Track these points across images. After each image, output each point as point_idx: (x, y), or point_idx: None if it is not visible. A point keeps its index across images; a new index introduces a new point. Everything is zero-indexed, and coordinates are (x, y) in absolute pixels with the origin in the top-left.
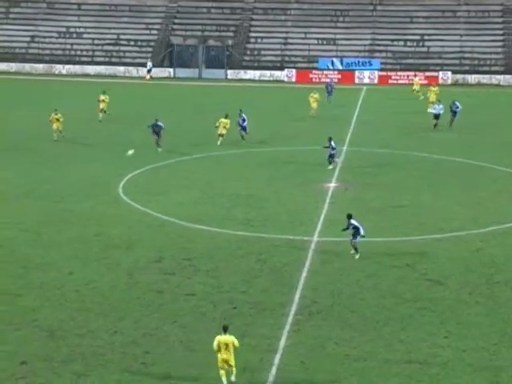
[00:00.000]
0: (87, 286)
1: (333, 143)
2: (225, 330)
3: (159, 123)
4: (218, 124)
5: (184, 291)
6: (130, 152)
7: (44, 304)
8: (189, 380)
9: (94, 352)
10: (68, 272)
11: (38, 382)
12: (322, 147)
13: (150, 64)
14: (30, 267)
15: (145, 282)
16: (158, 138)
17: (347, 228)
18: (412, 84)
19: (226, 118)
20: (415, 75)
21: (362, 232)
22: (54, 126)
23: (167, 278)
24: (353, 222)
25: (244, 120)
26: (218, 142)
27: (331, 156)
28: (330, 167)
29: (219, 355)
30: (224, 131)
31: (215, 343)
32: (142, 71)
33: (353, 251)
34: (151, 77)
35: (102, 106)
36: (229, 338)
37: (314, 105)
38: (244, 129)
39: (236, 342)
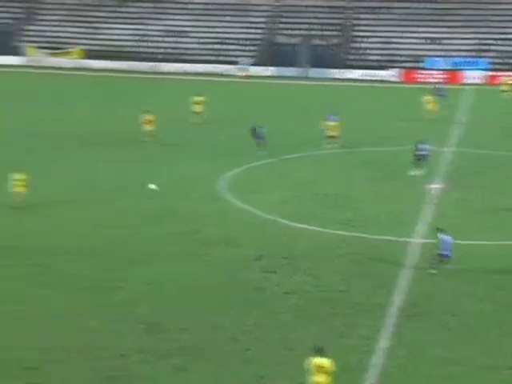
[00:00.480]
0: (187, 282)
1: (424, 146)
2: (319, 352)
3: (261, 129)
4: (324, 127)
5: (283, 289)
6: (152, 186)
7: (143, 298)
8: (286, 378)
9: (193, 347)
10: (168, 267)
11: (136, 374)
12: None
13: (246, 61)
14: (131, 261)
15: (244, 279)
16: (259, 142)
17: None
18: (502, 84)
19: (329, 120)
20: (506, 75)
21: (446, 250)
22: (147, 127)
23: (267, 275)
24: (441, 236)
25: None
26: (329, 145)
27: (419, 159)
28: (412, 173)
29: (313, 378)
30: (333, 133)
31: (309, 365)
32: (244, 70)
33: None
34: (248, 75)
35: (197, 108)
36: (324, 361)
37: (429, 106)
38: None
39: (332, 366)
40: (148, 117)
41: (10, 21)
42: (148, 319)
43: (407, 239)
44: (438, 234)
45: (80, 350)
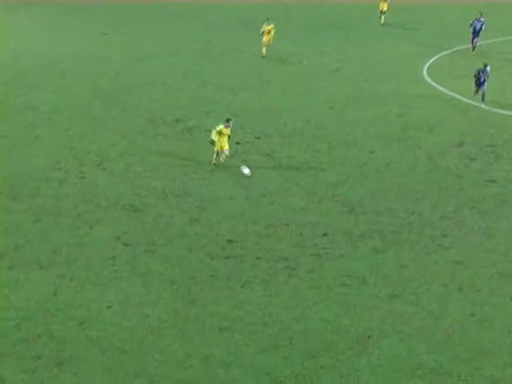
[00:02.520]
0: (387, 166)
1: (488, 69)
2: None
3: (487, 68)
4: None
5: (485, 177)
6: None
7: (345, 180)
8: (487, 265)
9: (391, 230)
10: (369, 150)
11: (338, 253)
12: None
13: None
14: (334, 143)
15: (445, 165)
16: (478, 89)
17: None
18: None
19: None
20: None
21: None
22: (264, 38)
23: (468, 163)
24: None
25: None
26: None
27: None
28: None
29: None
30: None
31: None
32: None
33: None
34: None
35: (383, 6)
36: None
37: None
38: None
39: None
40: (268, 27)
41: None
42: (350, 201)
43: None
44: None
45: (286, 226)
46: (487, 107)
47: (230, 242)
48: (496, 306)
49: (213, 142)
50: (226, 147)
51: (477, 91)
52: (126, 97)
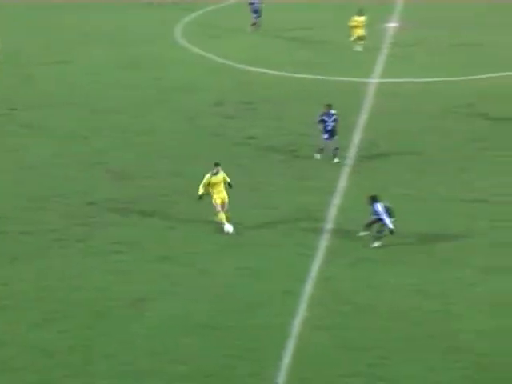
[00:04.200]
0: (151, 129)
1: (332, 111)
2: None
3: (332, 111)
4: None
5: (244, 134)
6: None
7: (110, 147)
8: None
9: (158, 193)
10: (133, 115)
11: (107, 221)
12: None
13: None
14: (97, 110)
15: (205, 125)
16: (328, 140)
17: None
18: None
19: None
20: None
21: (388, 223)
22: None
23: (227, 121)
24: (377, 207)
25: None
26: None
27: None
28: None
29: None
30: None
31: None
32: None
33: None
34: None
35: None
36: None
37: None
38: None
39: None
40: None
41: None
42: (116, 167)
43: (366, 80)
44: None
45: (52, 197)
46: (246, 66)
47: None
48: (269, 257)
49: (200, 197)
50: (226, 198)
51: (323, 146)
52: None
